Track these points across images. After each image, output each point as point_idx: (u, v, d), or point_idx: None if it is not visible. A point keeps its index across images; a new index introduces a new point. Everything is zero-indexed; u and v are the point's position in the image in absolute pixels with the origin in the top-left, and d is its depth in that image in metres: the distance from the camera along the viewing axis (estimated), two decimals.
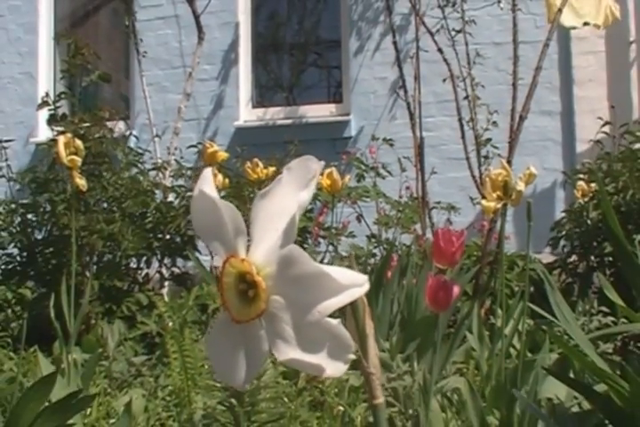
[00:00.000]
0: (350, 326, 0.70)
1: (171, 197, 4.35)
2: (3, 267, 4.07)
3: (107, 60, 6.01)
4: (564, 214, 4.17)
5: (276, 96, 6.40)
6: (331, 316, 0.64)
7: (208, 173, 0.67)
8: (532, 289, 3.03)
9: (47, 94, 4.11)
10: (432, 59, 4.98)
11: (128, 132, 4.74)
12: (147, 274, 4.15)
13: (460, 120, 4.51)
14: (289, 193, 0.67)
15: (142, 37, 5.90)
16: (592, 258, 3.81)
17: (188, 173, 4.58)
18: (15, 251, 4.10)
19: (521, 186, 2.02)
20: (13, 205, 4.13)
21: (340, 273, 0.63)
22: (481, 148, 4.39)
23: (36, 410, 1.59)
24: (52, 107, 3.98)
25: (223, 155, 3.74)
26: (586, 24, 4.91)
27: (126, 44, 6.33)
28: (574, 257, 3.93)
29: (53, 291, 2.64)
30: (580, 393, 1.69)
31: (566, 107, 5.38)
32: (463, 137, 4.46)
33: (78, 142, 2.58)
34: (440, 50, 4.69)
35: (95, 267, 3.93)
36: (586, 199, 3.90)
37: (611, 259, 3.70)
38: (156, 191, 4.26)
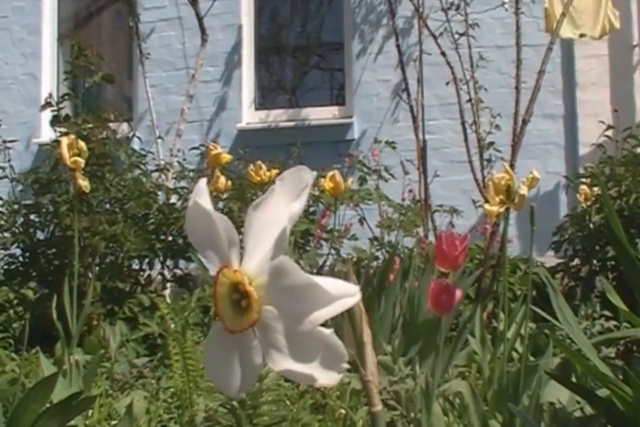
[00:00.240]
0: (348, 334, 0.71)
1: (173, 199, 4.35)
2: (5, 267, 4.08)
3: (110, 61, 6.01)
4: (566, 218, 4.17)
5: (278, 98, 6.41)
6: (324, 325, 0.64)
7: (203, 184, 0.68)
8: (534, 293, 3.04)
9: (50, 95, 4.12)
10: (435, 62, 4.98)
11: (131, 134, 4.74)
12: (149, 275, 4.15)
13: (463, 123, 4.50)
14: (281, 204, 0.67)
15: (145, 39, 5.91)
16: (594, 262, 3.81)
17: (191, 174, 4.59)
18: (18, 251, 4.10)
19: (524, 190, 2.01)
20: (16, 206, 4.14)
21: (331, 284, 0.63)
22: (484, 151, 4.39)
23: (38, 411, 1.59)
24: (56, 108, 3.98)
25: (226, 157, 3.75)
26: (582, 36, 4.93)
27: (129, 45, 6.34)
28: (577, 261, 3.93)
29: (56, 292, 2.64)
30: (583, 398, 1.69)
31: (569, 110, 5.38)
32: (466, 140, 4.46)
33: (81, 144, 2.59)
34: (443, 53, 4.70)
35: (97, 268, 3.93)
36: (588, 203, 3.90)
37: (613, 263, 3.70)
38: (159, 193, 4.27)
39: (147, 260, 4.09)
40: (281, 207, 0.67)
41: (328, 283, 0.63)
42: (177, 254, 4.16)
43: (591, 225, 3.80)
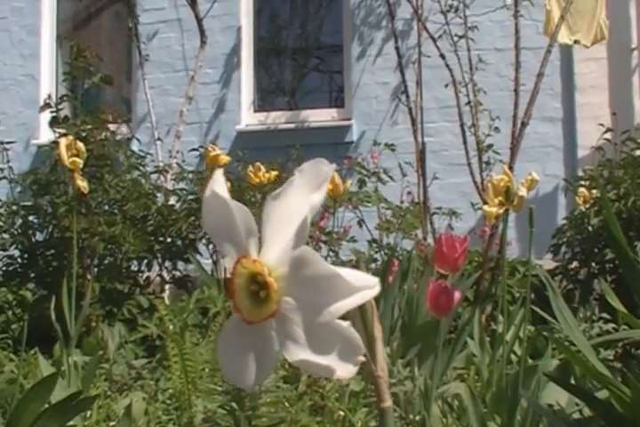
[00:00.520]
0: (359, 330, 0.70)
1: (172, 201, 4.36)
2: (4, 269, 4.07)
3: (109, 63, 6.01)
4: (565, 221, 4.17)
5: (277, 100, 6.41)
6: (340, 318, 0.64)
7: (219, 174, 0.67)
8: (533, 295, 3.04)
9: (49, 96, 4.12)
10: (434, 64, 4.99)
11: (130, 135, 4.74)
12: (148, 277, 4.15)
13: (462, 126, 4.51)
14: (301, 195, 0.67)
15: (145, 41, 5.91)
16: (593, 264, 3.81)
17: (190, 176, 4.59)
18: (16, 253, 4.10)
19: (523, 191, 2.02)
20: (15, 207, 4.13)
21: (351, 275, 0.63)
22: (482, 153, 4.39)
23: (37, 411, 1.60)
24: (55, 109, 3.98)
25: (225, 158, 3.75)
26: (576, 42, 4.95)
27: (129, 47, 6.34)
28: (575, 264, 3.93)
29: (54, 293, 2.64)
30: (582, 399, 1.69)
31: (568, 113, 5.39)
32: (465, 143, 4.47)
33: (80, 144, 2.59)
34: (442, 55, 4.70)
35: (96, 269, 3.93)
36: (587, 206, 3.90)
37: (612, 265, 3.70)
38: (158, 194, 4.27)
39: (145, 261, 4.09)
40: (301, 198, 0.67)
41: (349, 274, 0.63)
42: (176, 256, 4.16)
43: (590, 228, 3.80)
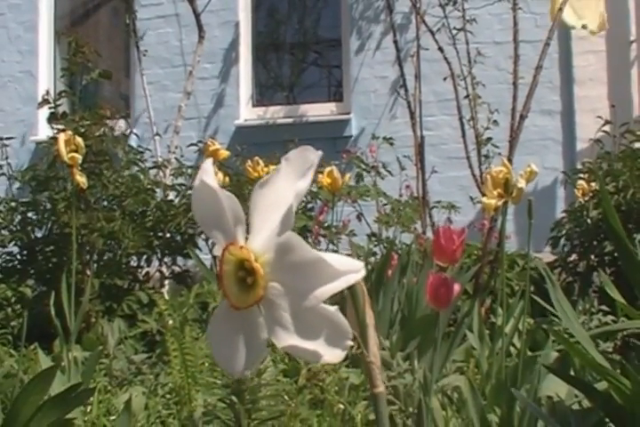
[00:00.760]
0: (350, 316, 0.71)
1: (171, 196, 4.35)
2: (3, 265, 4.07)
3: (107, 58, 6.00)
4: (564, 214, 4.17)
5: (276, 95, 6.40)
6: (331, 304, 0.65)
7: (209, 164, 0.69)
8: (532, 288, 3.04)
9: (48, 92, 4.11)
10: (433, 57, 4.98)
11: (128, 131, 4.73)
12: (147, 272, 4.15)
13: (461, 119, 4.51)
14: (287, 182, 0.68)
15: (143, 36, 5.90)
16: (592, 257, 3.81)
17: (189, 171, 4.59)
18: (15, 249, 4.10)
19: (522, 183, 2.02)
20: (14, 204, 4.13)
21: (336, 259, 0.64)
22: (481, 147, 4.39)
23: (36, 404, 1.60)
24: (53, 105, 3.98)
25: (224, 153, 3.76)
26: (584, 27, 4.93)
27: (126, 42, 6.33)
28: (574, 256, 3.93)
29: (54, 289, 2.64)
30: (581, 391, 1.69)
31: (567, 106, 5.38)
32: (464, 136, 4.46)
33: (79, 140, 2.58)
34: (441, 49, 4.69)
35: (95, 265, 3.93)
36: (586, 198, 3.90)
37: (611, 258, 3.70)
38: (157, 190, 4.27)
39: (145, 257, 4.09)
40: (287, 185, 0.68)
41: (333, 258, 0.64)
42: (175, 251, 4.16)
43: (589, 220, 3.80)
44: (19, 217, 4.09)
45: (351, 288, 0.72)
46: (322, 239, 4.13)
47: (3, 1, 6.62)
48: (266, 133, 5.80)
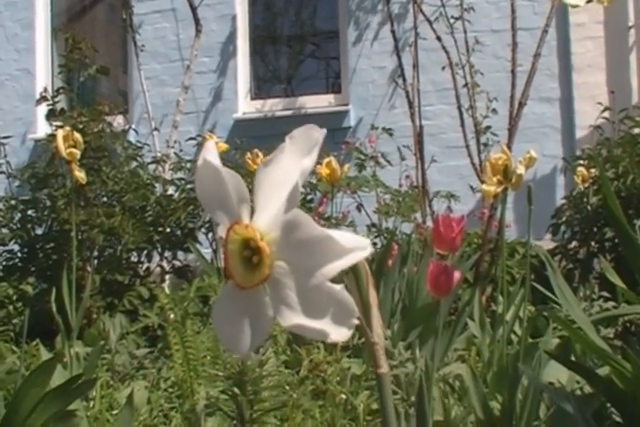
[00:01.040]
0: (354, 297, 0.70)
1: (170, 191, 4.35)
2: (4, 263, 4.07)
3: (104, 54, 5.99)
4: (564, 201, 4.16)
5: (274, 88, 6.39)
6: (334, 282, 0.64)
7: (211, 143, 0.68)
8: (532, 276, 3.03)
9: (45, 89, 4.11)
10: (430, 47, 4.97)
11: (127, 126, 4.73)
12: (148, 267, 4.15)
13: (460, 108, 4.49)
14: (292, 160, 0.67)
15: (140, 31, 5.89)
16: (592, 244, 3.80)
17: (188, 165, 4.58)
18: (16, 247, 4.10)
19: (521, 170, 2.01)
20: (13, 202, 4.13)
21: (343, 237, 0.64)
22: (480, 135, 4.38)
23: (38, 396, 1.60)
24: (51, 102, 3.97)
25: (223, 146, 3.76)
26: (589, 1, 4.88)
27: (124, 38, 6.31)
28: (575, 243, 3.93)
29: (55, 286, 2.64)
30: (582, 376, 1.69)
31: (565, 93, 5.36)
32: (462, 125, 4.45)
33: (77, 135, 2.58)
34: (438, 38, 4.68)
35: (96, 261, 3.93)
36: (586, 185, 3.89)
37: (611, 244, 3.70)
38: (156, 185, 4.26)
39: (145, 252, 4.09)
40: (292, 163, 0.67)
41: (340, 235, 0.63)
42: (175, 246, 4.16)
43: (589, 207, 3.79)
44: (19, 215, 4.09)
45: (354, 268, 0.72)
46: None
47: None
48: (264, 126, 5.79)
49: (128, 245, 3.90)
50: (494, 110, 4.64)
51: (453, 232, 1.97)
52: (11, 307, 3.74)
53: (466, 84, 4.65)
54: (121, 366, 2.67)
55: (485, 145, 4.41)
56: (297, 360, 2.42)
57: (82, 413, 2.02)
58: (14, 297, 3.80)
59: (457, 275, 1.93)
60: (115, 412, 2.20)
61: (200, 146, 4.74)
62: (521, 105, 3.82)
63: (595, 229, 3.78)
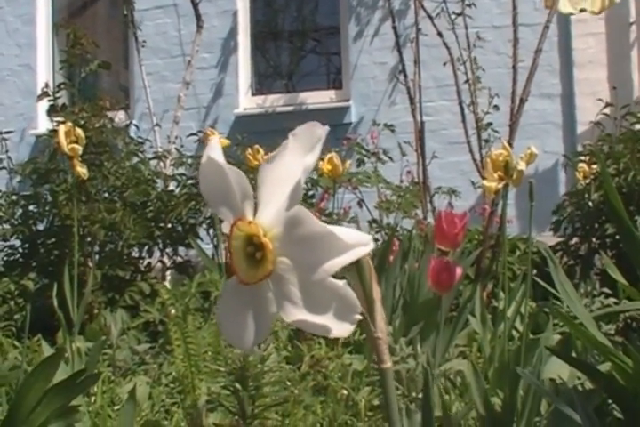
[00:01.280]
0: (357, 292, 0.70)
1: (172, 186, 4.35)
2: (5, 259, 4.08)
3: (105, 50, 5.99)
4: (565, 197, 4.16)
5: (275, 83, 6.39)
6: (337, 278, 0.65)
7: (215, 141, 0.69)
8: (534, 271, 3.04)
9: (47, 85, 4.11)
10: (432, 43, 4.96)
11: (128, 122, 4.73)
12: (149, 263, 4.15)
13: (461, 104, 4.49)
14: (295, 157, 0.68)
15: (141, 27, 5.89)
16: (594, 240, 3.80)
17: (189, 161, 4.58)
18: (17, 242, 4.10)
19: (522, 166, 2.01)
20: (15, 197, 4.13)
21: (345, 232, 0.65)
22: (481, 131, 4.37)
23: (41, 390, 1.60)
24: (52, 97, 3.97)
25: (224, 142, 3.76)
26: (582, 10, 4.89)
27: (125, 33, 6.31)
28: (576, 239, 3.93)
29: (56, 281, 2.64)
30: (583, 372, 1.69)
31: (567, 89, 5.36)
32: (464, 121, 4.45)
33: (79, 131, 2.58)
34: (440, 34, 4.67)
35: (97, 257, 3.94)
36: (587, 181, 3.89)
37: (612, 240, 3.70)
38: (157, 180, 4.26)
39: (146, 247, 4.10)
40: (295, 160, 0.68)
41: (342, 231, 0.64)
42: (176, 241, 4.16)
43: (590, 203, 3.79)
44: (20, 210, 4.10)
45: (358, 263, 0.72)
46: None
47: None
48: (265, 122, 5.79)
49: (129, 240, 3.91)
50: (495, 106, 4.64)
51: (456, 228, 1.98)
52: (12, 302, 3.74)
53: (467, 81, 4.64)
54: (122, 361, 2.67)
55: (487, 141, 4.41)
56: (298, 356, 2.42)
57: (84, 408, 2.02)
58: (16, 292, 3.80)
59: (458, 271, 1.94)
60: (116, 407, 2.21)
61: (201, 142, 4.75)
62: (522, 101, 3.81)
63: (596, 226, 3.77)
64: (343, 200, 4.36)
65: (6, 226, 4.07)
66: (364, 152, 4.65)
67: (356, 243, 0.65)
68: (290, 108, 5.92)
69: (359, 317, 0.65)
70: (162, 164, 4.65)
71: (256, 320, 0.68)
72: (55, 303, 2.40)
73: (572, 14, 4.85)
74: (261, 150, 3.87)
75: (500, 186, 2.02)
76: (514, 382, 1.73)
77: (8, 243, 4.10)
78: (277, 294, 0.66)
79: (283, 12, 6.55)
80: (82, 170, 2.58)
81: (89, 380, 1.69)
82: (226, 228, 0.68)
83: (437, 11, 4.97)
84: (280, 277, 0.66)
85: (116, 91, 6.50)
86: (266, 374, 1.81)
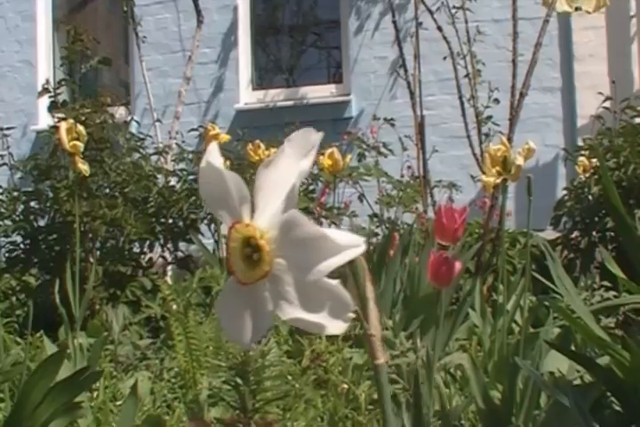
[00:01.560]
0: (351, 291, 0.73)
1: (173, 181, 4.36)
2: (6, 255, 4.08)
3: (106, 45, 5.99)
4: (565, 192, 4.16)
5: (275, 78, 6.39)
6: (333, 279, 0.68)
7: (214, 146, 0.71)
8: (534, 266, 3.04)
9: (47, 81, 4.11)
10: (432, 37, 4.95)
11: (129, 118, 4.74)
12: (150, 258, 4.16)
13: (461, 98, 4.49)
14: (290, 162, 0.70)
15: (141, 22, 5.89)
16: (594, 233, 3.81)
17: (190, 156, 4.59)
18: (19, 239, 4.11)
19: (520, 161, 2.02)
20: (16, 193, 4.14)
21: (338, 235, 0.67)
22: (482, 125, 4.37)
23: (45, 387, 1.62)
24: (53, 94, 3.98)
25: (225, 137, 3.76)
26: (577, 9, 4.89)
27: (125, 29, 6.31)
28: (576, 233, 3.93)
29: (58, 277, 2.65)
30: (582, 366, 1.70)
31: (567, 83, 5.36)
32: (464, 115, 4.45)
33: (80, 128, 2.59)
34: (440, 28, 4.67)
35: (99, 252, 3.94)
36: (587, 175, 3.89)
37: (612, 234, 3.71)
38: (158, 176, 4.27)
39: (147, 243, 4.11)
40: (290, 165, 0.70)
41: (335, 234, 0.67)
42: (177, 237, 4.17)
43: (590, 197, 3.79)
44: (21, 207, 4.10)
45: (352, 263, 0.74)
46: (323, 221, 4.13)
47: None
48: (266, 117, 5.79)
49: (130, 236, 3.91)
50: (496, 100, 4.63)
51: (455, 223, 1.98)
52: (14, 298, 3.75)
53: (467, 75, 4.64)
54: (124, 356, 2.68)
55: (487, 135, 4.41)
56: (299, 350, 2.43)
57: (86, 403, 2.04)
58: (17, 288, 3.81)
59: (458, 266, 1.94)
60: (118, 402, 2.22)
61: (202, 137, 4.75)
62: (522, 95, 3.81)
63: (596, 219, 3.78)
64: (344, 194, 4.37)
65: (8, 222, 4.08)
66: (364, 146, 4.65)
67: (349, 245, 0.67)
68: (290, 103, 5.92)
69: (352, 315, 0.68)
70: (163, 159, 4.66)
71: (254, 318, 0.71)
72: (57, 299, 2.41)
73: (568, 13, 4.86)
74: (262, 145, 3.87)
75: (499, 181, 2.03)
76: (513, 376, 1.74)
77: (10, 239, 4.11)
78: (274, 293, 0.69)
79: (283, 7, 6.54)
80: (83, 167, 2.59)
81: (92, 377, 1.71)
82: (224, 230, 0.71)
83: (437, 5, 4.96)
84: (276, 278, 0.69)
85: (116, 86, 6.50)
86: (267, 369, 1.82)
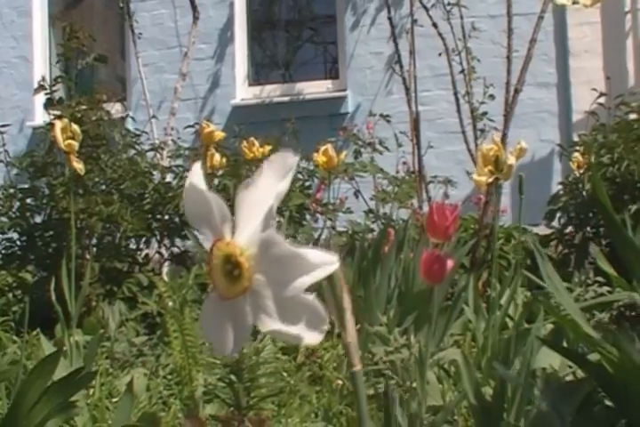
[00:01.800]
0: (330, 302, 0.78)
1: (169, 178, 4.36)
2: (3, 252, 4.09)
3: (102, 41, 5.99)
4: (560, 187, 4.17)
5: (272, 73, 6.39)
6: (309, 291, 0.71)
7: (197, 166, 0.75)
8: (528, 261, 3.06)
9: (43, 78, 4.11)
10: (427, 33, 4.95)
11: (125, 114, 4.74)
12: (146, 255, 4.17)
13: (456, 94, 4.50)
14: (269, 183, 0.74)
15: (137, 18, 5.88)
16: (588, 229, 3.82)
17: (186, 152, 4.59)
18: (15, 235, 4.11)
19: (511, 160, 2.03)
20: (12, 190, 4.14)
21: (312, 254, 0.71)
22: (477, 121, 4.38)
23: (42, 387, 1.63)
24: (49, 91, 3.98)
25: (220, 134, 3.76)
26: (575, 3, 4.89)
27: (121, 25, 6.31)
28: (570, 228, 3.94)
29: (54, 274, 2.66)
30: (574, 362, 1.71)
31: (562, 78, 5.37)
32: (459, 111, 4.46)
33: (75, 127, 2.60)
34: (435, 24, 4.67)
35: (95, 249, 3.95)
36: (581, 171, 3.91)
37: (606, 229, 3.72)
38: (154, 172, 4.27)
39: (144, 239, 4.11)
40: (268, 187, 0.74)
41: (309, 253, 0.71)
42: (173, 233, 4.17)
43: (584, 193, 3.81)
44: (17, 203, 4.10)
45: (330, 277, 0.78)
46: (319, 216, 4.14)
47: None
48: (263, 112, 5.80)
49: (127, 232, 3.92)
50: (491, 96, 4.64)
51: (447, 221, 1.99)
52: (10, 295, 3.76)
53: (462, 71, 4.65)
54: (120, 353, 2.69)
55: (482, 131, 4.42)
56: (294, 347, 2.44)
57: (82, 401, 2.05)
58: (14, 285, 3.82)
59: (450, 263, 1.95)
60: (114, 399, 2.23)
61: (198, 133, 4.75)
62: (517, 91, 3.82)
63: (590, 215, 3.79)
64: (339, 190, 4.38)
65: (4, 219, 4.07)
66: (359, 142, 4.66)
67: (322, 263, 0.71)
68: (287, 99, 5.93)
69: (327, 327, 0.71)
70: (159, 156, 4.66)
71: (235, 330, 0.75)
72: (53, 297, 2.42)
73: (564, 6, 4.87)
74: (256, 143, 3.88)
75: (491, 180, 2.04)
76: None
77: (6, 236, 4.11)
78: (254, 307, 0.73)
79: (279, 2, 6.54)
80: (78, 166, 2.60)
81: (88, 376, 1.72)
82: (207, 246, 0.74)
83: (433, 1, 4.96)
84: (256, 293, 0.72)
85: (112, 82, 6.50)
86: (262, 366, 1.83)
